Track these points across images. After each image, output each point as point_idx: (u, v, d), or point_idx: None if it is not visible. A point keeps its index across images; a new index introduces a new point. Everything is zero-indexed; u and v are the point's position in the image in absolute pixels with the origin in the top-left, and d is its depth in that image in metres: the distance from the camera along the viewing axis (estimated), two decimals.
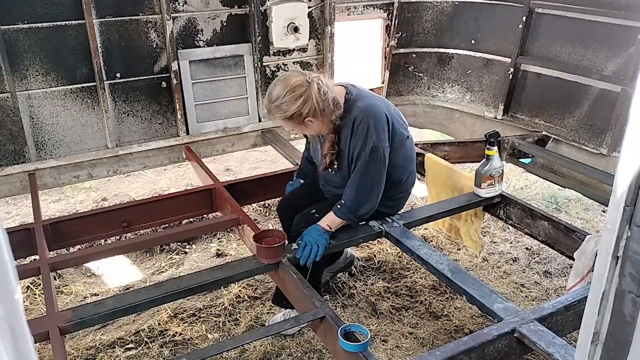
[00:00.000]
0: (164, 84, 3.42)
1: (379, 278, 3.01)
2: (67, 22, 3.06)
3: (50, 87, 3.13)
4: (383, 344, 2.52)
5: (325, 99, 2.18)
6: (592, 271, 2.16)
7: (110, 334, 2.63)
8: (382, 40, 4.11)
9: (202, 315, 2.74)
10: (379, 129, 2.22)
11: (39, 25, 2.99)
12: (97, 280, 3.13)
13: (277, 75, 3.77)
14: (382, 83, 4.19)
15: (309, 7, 3.64)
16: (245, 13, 3.53)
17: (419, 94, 4.23)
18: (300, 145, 3.75)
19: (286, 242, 2.26)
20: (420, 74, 4.20)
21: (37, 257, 2.61)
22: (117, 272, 3.17)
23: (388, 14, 4.01)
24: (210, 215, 3.44)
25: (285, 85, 2.18)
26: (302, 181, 2.71)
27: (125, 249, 2.72)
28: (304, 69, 3.86)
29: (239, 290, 2.88)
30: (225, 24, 3.50)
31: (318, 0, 3.71)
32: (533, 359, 2.37)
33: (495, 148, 2.65)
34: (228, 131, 3.68)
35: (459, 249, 3.31)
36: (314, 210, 2.42)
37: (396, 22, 4.01)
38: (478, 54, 3.90)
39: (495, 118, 3.77)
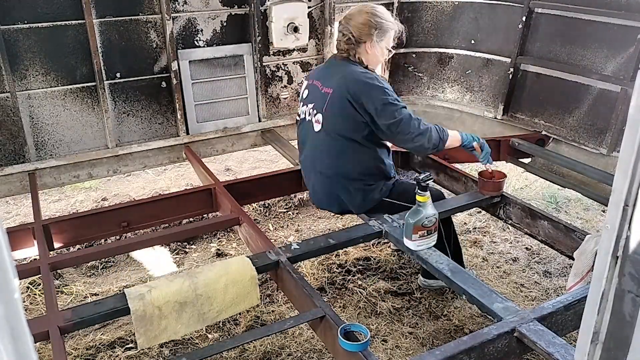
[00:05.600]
0: (163, 84, 3.42)
1: (378, 278, 3.01)
2: (67, 22, 3.06)
3: (50, 87, 3.13)
4: (383, 344, 2.52)
5: None
6: (592, 271, 2.16)
7: (110, 334, 2.63)
8: None
9: None
10: None
11: (39, 25, 2.99)
12: (97, 280, 3.13)
13: (277, 75, 3.79)
14: None
15: (309, 7, 3.64)
16: (245, 13, 3.53)
17: (418, 94, 4.23)
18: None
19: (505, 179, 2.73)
20: (420, 74, 4.20)
21: (37, 256, 2.61)
22: (116, 272, 3.18)
23: None
24: (210, 215, 3.44)
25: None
26: None
27: (125, 249, 2.72)
28: (304, 69, 3.86)
29: None
30: (225, 24, 3.50)
31: (318, 0, 3.71)
32: (533, 358, 2.37)
33: (428, 193, 2.22)
34: (228, 131, 3.68)
35: None
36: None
37: None
38: (478, 54, 3.90)
39: (495, 118, 3.77)
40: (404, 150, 2.90)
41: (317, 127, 2.47)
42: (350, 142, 2.39)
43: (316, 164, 2.53)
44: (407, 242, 2.30)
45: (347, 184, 2.47)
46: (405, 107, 2.36)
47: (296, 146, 3.58)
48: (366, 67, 2.45)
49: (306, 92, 2.60)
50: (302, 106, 2.60)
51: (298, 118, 2.67)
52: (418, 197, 2.21)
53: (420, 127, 2.36)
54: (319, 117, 2.45)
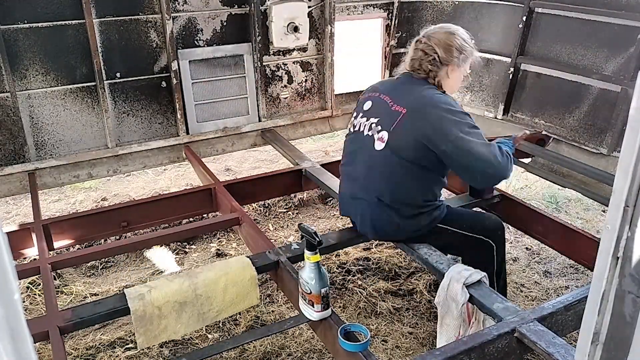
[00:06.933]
0: (163, 84, 3.42)
1: (378, 278, 3.01)
2: (67, 22, 3.06)
3: (50, 86, 3.13)
4: (383, 344, 2.52)
5: None
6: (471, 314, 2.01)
7: (110, 334, 2.63)
8: (382, 40, 4.10)
9: None
10: None
11: (39, 25, 2.99)
12: (97, 280, 3.13)
13: (277, 75, 3.79)
14: None
15: (309, 7, 3.64)
16: (245, 13, 3.53)
17: None
18: (299, 145, 3.75)
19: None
20: None
21: (37, 257, 2.61)
22: (116, 272, 3.17)
23: (388, 14, 4.01)
24: (210, 215, 3.44)
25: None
26: None
27: (125, 249, 2.72)
28: (304, 69, 3.86)
29: None
30: (225, 23, 3.50)
31: (318, 0, 3.71)
32: (533, 358, 2.37)
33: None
34: (228, 131, 3.68)
35: None
36: None
37: (396, 21, 4.01)
38: (478, 54, 3.90)
39: (496, 118, 3.77)
40: None
41: (379, 146, 2.17)
42: (414, 167, 2.13)
43: (369, 186, 2.22)
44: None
45: (399, 209, 2.19)
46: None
47: (296, 146, 3.59)
48: (443, 92, 2.24)
49: (369, 103, 2.29)
50: (361, 117, 2.29)
51: (351, 129, 2.35)
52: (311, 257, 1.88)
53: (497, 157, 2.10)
54: (384, 135, 2.16)
